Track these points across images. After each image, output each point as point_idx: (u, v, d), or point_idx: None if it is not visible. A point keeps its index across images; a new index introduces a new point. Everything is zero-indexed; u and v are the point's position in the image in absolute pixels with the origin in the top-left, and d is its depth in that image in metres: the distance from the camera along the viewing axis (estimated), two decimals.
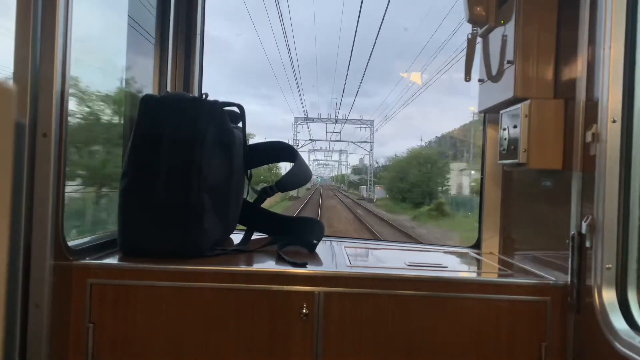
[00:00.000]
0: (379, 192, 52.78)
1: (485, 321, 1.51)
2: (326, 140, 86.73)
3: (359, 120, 72.00)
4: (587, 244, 1.39)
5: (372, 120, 72.99)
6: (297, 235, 1.98)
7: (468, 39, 1.88)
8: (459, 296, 1.52)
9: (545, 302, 1.51)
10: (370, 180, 59.94)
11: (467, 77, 1.89)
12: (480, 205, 2.15)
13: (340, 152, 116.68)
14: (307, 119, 73.16)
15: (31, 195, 1.32)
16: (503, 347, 1.51)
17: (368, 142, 71.13)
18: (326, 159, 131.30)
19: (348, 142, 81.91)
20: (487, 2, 1.76)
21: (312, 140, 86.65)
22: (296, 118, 74.00)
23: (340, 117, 73.40)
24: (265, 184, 2.06)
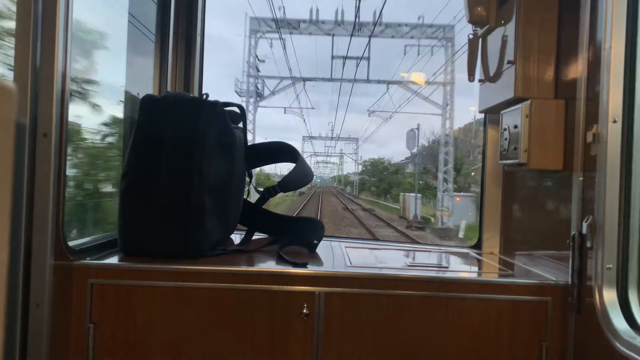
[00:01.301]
0: (459, 207, 23.28)
1: (486, 321, 1.51)
2: (331, 79, 31.08)
3: None
4: (588, 244, 1.39)
5: (453, 26, 23.97)
6: (298, 236, 1.98)
7: (469, 39, 1.88)
8: (460, 296, 1.52)
9: (546, 302, 1.51)
10: (447, 180, 25.89)
11: (471, 77, 1.89)
12: (481, 205, 2.15)
13: (349, 139, 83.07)
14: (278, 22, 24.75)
15: (31, 195, 1.32)
16: (504, 347, 1.51)
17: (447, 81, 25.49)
18: (328, 151, 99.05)
19: (378, 82, 29.88)
20: (488, 3, 1.76)
21: (294, 79, 31.16)
22: (254, 21, 26.41)
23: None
24: None
